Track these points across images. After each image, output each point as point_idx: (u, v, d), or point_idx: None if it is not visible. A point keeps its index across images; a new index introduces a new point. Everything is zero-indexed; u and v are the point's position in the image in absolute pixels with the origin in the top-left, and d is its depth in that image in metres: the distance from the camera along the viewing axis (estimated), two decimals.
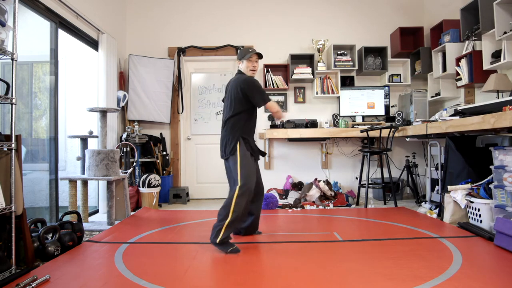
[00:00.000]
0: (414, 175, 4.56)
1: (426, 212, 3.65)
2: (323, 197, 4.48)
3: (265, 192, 4.52)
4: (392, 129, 4.05)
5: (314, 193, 4.25)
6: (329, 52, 4.88)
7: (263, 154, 2.85)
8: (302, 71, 4.77)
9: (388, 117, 4.77)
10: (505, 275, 1.94)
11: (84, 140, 3.73)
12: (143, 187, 4.14)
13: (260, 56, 2.74)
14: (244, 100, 2.61)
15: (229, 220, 2.42)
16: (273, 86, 4.83)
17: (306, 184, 4.39)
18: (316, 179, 4.51)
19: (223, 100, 2.92)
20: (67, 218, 3.01)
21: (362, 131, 4.15)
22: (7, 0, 2.12)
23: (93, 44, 4.09)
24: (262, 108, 4.96)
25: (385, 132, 4.21)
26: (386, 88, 4.82)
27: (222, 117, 2.74)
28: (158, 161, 4.72)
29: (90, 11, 3.87)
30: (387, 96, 4.81)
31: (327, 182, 4.39)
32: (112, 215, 3.33)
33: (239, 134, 2.62)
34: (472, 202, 2.99)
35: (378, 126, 4.20)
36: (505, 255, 2.28)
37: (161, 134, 4.91)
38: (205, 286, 1.88)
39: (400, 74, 4.88)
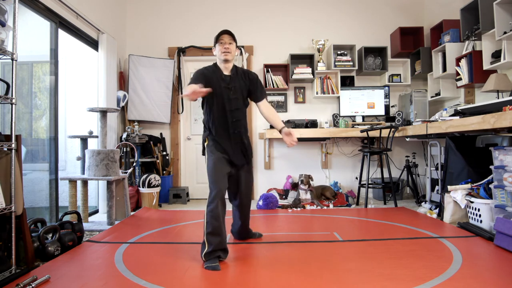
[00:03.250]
0: (414, 175, 4.56)
1: (426, 212, 3.65)
2: (323, 196, 4.48)
3: (265, 192, 4.54)
4: (392, 129, 4.05)
5: (306, 196, 4.23)
6: (329, 52, 4.88)
7: (247, 160, 2.48)
8: (302, 71, 4.77)
9: (388, 117, 4.78)
10: (505, 275, 1.94)
11: (84, 140, 3.73)
12: (143, 187, 4.14)
13: (231, 34, 2.38)
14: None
15: (206, 232, 2.18)
16: (273, 86, 4.83)
17: (295, 198, 4.29)
18: (297, 184, 4.47)
19: None
20: (67, 218, 3.01)
21: (362, 131, 4.15)
22: (7, 0, 2.12)
23: (93, 44, 4.09)
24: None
25: (385, 132, 4.21)
26: (386, 88, 4.82)
27: None
28: (158, 161, 4.72)
29: (90, 11, 3.87)
30: (387, 96, 4.81)
31: (304, 176, 4.27)
32: (112, 215, 3.33)
33: (207, 133, 2.41)
34: (472, 202, 2.99)
35: (378, 126, 4.20)
36: (505, 255, 2.28)
37: (161, 134, 4.91)
38: (205, 286, 1.88)
39: (400, 74, 4.88)
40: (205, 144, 2.42)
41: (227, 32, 2.37)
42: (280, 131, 2.36)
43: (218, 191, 2.22)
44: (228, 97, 2.37)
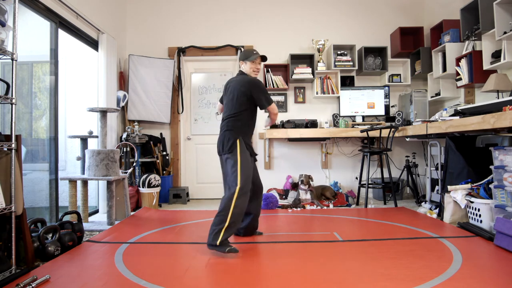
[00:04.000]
0: (414, 175, 4.56)
1: (426, 212, 3.65)
2: (323, 196, 4.48)
3: (265, 192, 4.53)
4: (392, 129, 4.05)
5: (306, 196, 4.23)
6: (329, 52, 4.88)
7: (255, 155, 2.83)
8: (302, 71, 4.77)
9: (388, 117, 4.77)
10: (505, 275, 1.94)
11: (84, 140, 3.73)
12: (143, 187, 4.14)
13: (264, 59, 2.75)
14: (247, 100, 2.60)
15: (228, 223, 2.38)
16: (273, 86, 4.83)
17: (295, 198, 4.30)
18: (297, 184, 4.47)
19: (220, 101, 2.92)
20: (67, 218, 3.01)
21: (362, 131, 4.15)
22: (7, 0, 2.12)
23: (93, 44, 4.09)
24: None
25: (385, 132, 4.21)
26: (386, 88, 4.82)
27: (222, 115, 2.73)
28: (158, 161, 4.72)
29: (90, 11, 3.87)
30: (387, 96, 4.81)
31: (305, 176, 4.28)
32: (112, 215, 3.33)
33: (238, 133, 2.59)
34: (472, 202, 2.99)
35: (378, 126, 4.20)
36: (505, 255, 2.28)
37: (161, 134, 4.91)
38: (205, 286, 1.88)
39: (400, 74, 4.88)
40: (238, 142, 2.57)
41: (262, 57, 2.72)
42: None
43: (249, 188, 2.51)
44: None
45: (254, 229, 2.87)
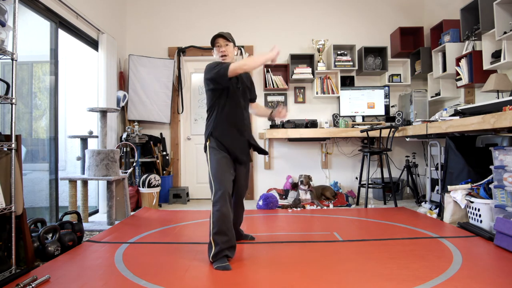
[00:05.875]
0: (414, 175, 4.56)
1: (426, 212, 3.65)
2: (323, 196, 4.48)
3: (265, 192, 4.54)
4: (392, 129, 4.05)
5: (306, 196, 4.23)
6: (329, 52, 4.88)
7: (264, 152, 2.56)
8: (302, 71, 4.77)
9: (388, 117, 4.77)
10: (505, 275, 1.94)
11: (84, 140, 3.73)
12: (143, 187, 4.14)
13: (225, 37, 2.36)
14: (210, 91, 2.37)
15: (213, 232, 2.17)
16: (273, 86, 4.83)
17: (295, 198, 4.28)
18: (297, 184, 4.46)
19: None
20: (67, 218, 3.01)
21: (362, 131, 4.15)
22: (7, 0, 2.12)
23: (93, 44, 4.09)
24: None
25: (385, 132, 4.21)
26: (386, 88, 4.82)
27: None
28: (158, 161, 4.72)
29: (90, 11, 3.87)
30: (387, 96, 4.81)
31: (304, 176, 4.26)
32: (112, 215, 3.33)
33: (209, 131, 2.37)
34: (472, 202, 2.99)
35: (378, 126, 4.20)
36: (505, 255, 2.28)
37: (161, 134, 4.91)
38: (205, 286, 1.88)
39: (400, 74, 4.88)
40: (207, 143, 2.39)
41: (220, 36, 2.36)
42: (271, 115, 2.62)
43: (224, 190, 2.20)
44: (237, 97, 2.38)
45: (237, 236, 2.58)
